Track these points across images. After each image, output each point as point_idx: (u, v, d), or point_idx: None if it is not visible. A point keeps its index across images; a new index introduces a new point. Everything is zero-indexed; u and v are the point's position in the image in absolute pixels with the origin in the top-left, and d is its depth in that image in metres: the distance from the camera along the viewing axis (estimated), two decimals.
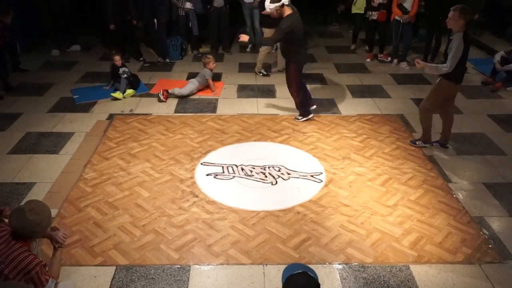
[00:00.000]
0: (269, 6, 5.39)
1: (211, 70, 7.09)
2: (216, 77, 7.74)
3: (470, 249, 3.81)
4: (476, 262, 3.69)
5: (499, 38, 9.95)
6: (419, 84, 7.57)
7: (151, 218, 4.15)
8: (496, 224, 4.16)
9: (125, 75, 6.96)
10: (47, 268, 2.91)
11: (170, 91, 6.84)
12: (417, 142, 5.46)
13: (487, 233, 4.03)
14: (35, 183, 4.67)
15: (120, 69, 6.99)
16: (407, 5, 7.82)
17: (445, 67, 4.85)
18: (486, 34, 10.20)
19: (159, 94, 6.75)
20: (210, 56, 7.22)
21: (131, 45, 8.60)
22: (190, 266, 3.61)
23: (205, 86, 7.09)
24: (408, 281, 3.49)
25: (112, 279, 3.47)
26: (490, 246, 3.86)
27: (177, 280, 3.47)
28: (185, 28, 8.77)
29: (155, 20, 8.08)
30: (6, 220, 3.01)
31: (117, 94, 6.73)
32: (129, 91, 6.87)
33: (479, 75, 8.02)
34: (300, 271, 2.07)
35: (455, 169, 5.03)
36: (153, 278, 3.48)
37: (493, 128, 6.03)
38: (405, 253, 3.76)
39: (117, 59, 6.99)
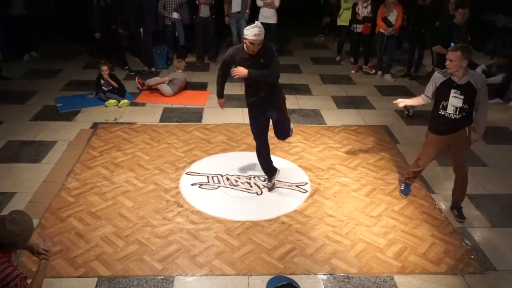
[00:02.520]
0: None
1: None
2: (202, 87, 7.74)
3: (453, 260, 3.85)
4: (459, 272, 3.72)
5: (480, 52, 10.17)
6: (402, 96, 7.64)
7: (135, 229, 4.10)
8: (478, 235, 4.22)
9: (105, 88, 6.93)
10: (27, 280, 2.84)
11: (146, 81, 7.31)
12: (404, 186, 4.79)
13: (469, 243, 4.07)
14: (15, 192, 4.58)
15: (102, 80, 6.95)
16: (391, 18, 7.96)
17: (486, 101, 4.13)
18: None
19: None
20: (182, 60, 7.51)
21: (117, 53, 8.55)
22: (174, 277, 3.56)
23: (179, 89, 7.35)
24: None
25: None
26: (472, 257, 3.90)
27: None
28: (171, 38, 8.77)
29: (141, 29, 8.07)
30: None
31: (112, 102, 6.74)
32: (124, 101, 6.85)
33: None
34: (284, 282, 2.06)
35: (438, 180, 5.10)
36: None
37: None
38: (389, 264, 3.78)
39: (105, 69, 6.94)
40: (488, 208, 4.61)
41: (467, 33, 7.00)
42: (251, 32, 3.95)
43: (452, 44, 6.35)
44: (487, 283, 3.63)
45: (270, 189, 4.76)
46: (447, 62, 3.97)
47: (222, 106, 4.61)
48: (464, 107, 4.05)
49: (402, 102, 4.55)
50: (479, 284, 3.61)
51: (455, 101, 4.06)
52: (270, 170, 4.73)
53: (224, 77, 4.40)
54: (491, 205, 4.66)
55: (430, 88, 4.26)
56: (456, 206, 4.49)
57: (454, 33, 6.58)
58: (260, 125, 4.49)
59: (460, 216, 4.41)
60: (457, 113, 4.09)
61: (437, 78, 4.17)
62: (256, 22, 4.09)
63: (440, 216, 4.44)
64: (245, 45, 4.09)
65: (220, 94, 4.53)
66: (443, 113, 4.17)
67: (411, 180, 4.76)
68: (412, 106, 4.53)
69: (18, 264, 3.00)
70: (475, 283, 3.62)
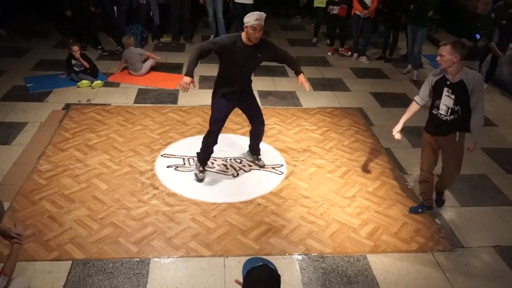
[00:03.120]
0: None
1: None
2: (177, 68, 7.63)
3: (423, 239, 3.97)
4: (429, 250, 3.84)
5: (454, 35, 10.30)
6: (377, 79, 7.75)
7: (109, 211, 4.06)
8: (448, 214, 4.35)
9: (77, 68, 6.75)
10: None
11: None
12: (419, 210, 4.33)
13: (439, 222, 4.20)
14: None
15: (73, 60, 6.77)
16: (367, 0, 7.97)
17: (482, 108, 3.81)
18: (441, 31, 10.55)
19: None
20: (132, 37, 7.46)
21: (89, 33, 8.32)
22: (149, 259, 3.56)
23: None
24: (365, 270, 3.60)
25: (68, 274, 3.37)
26: (441, 235, 4.03)
27: (136, 273, 3.42)
28: (146, 17, 8.58)
29: (115, 8, 7.85)
30: None
31: (85, 83, 6.60)
32: (98, 82, 6.70)
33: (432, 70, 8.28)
34: (260, 263, 2.08)
35: (410, 161, 5.20)
36: (111, 272, 3.41)
37: None
38: (362, 243, 3.87)
39: (76, 49, 6.75)
40: (458, 188, 4.74)
41: (492, 25, 6.81)
42: (252, 17, 3.89)
43: (478, 36, 6.28)
44: (455, 260, 3.76)
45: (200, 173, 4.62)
46: (438, 57, 3.70)
47: (188, 86, 4.00)
48: (456, 108, 3.75)
49: (397, 131, 4.24)
50: (447, 261, 3.74)
51: (447, 100, 3.79)
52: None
53: (202, 56, 4.06)
54: (461, 185, 4.79)
55: (424, 89, 4.02)
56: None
57: (477, 25, 6.42)
58: (227, 112, 4.45)
59: (414, 211, 4.29)
60: (449, 114, 3.81)
61: (432, 77, 3.92)
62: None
63: (412, 197, 4.54)
64: (246, 34, 3.99)
65: (191, 73, 4.02)
66: (435, 112, 3.92)
67: (425, 200, 4.29)
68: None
69: None
70: (444, 260, 3.75)
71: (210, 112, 4.37)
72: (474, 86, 3.65)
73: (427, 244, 3.91)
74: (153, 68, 7.40)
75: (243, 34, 4.05)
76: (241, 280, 2.14)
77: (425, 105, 4.14)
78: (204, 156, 4.58)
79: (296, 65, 4.42)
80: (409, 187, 4.71)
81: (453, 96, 3.75)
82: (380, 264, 3.66)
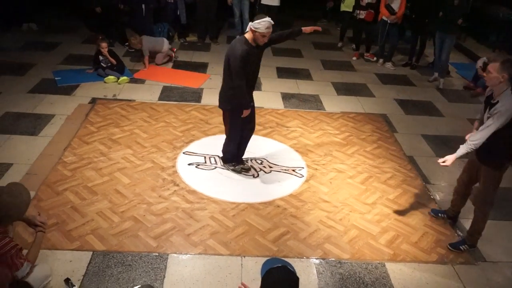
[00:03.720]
0: None
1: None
2: (202, 67, 7.69)
3: (444, 250, 3.90)
4: (449, 262, 3.77)
5: (482, 44, 10.14)
6: (403, 85, 7.66)
7: (130, 205, 4.12)
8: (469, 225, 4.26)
9: (104, 64, 6.87)
10: (23, 252, 2.86)
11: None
12: (461, 247, 3.92)
13: (461, 234, 4.12)
14: (12, 164, 4.57)
15: (101, 56, 6.88)
16: (395, 6, 7.90)
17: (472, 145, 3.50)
18: (470, 39, 10.38)
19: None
20: (137, 37, 7.52)
21: (117, 29, 8.45)
22: (168, 255, 3.60)
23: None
24: (383, 278, 3.55)
25: (88, 264, 3.43)
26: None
27: (154, 268, 3.46)
28: (173, 16, 8.67)
29: (143, 6, 7.96)
30: None
31: (111, 79, 6.72)
32: (124, 78, 6.81)
33: (461, 79, 8.17)
34: (279, 265, 2.08)
35: (433, 170, 5.12)
36: (130, 265, 3.46)
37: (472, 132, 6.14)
38: (381, 251, 3.82)
39: (104, 46, 6.86)
40: None
41: (459, 15, 7.11)
42: (263, 25, 3.89)
43: None
44: (476, 274, 3.68)
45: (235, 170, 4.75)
46: (484, 73, 3.49)
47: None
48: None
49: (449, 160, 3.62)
50: (468, 274, 3.67)
51: (486, 120, 3.48)
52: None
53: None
54: None
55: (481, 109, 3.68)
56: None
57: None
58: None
59: (455, 246, 3.92)
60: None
61: (487, 90, 3.60)
62: (264, 16, 3.95)
63: (434, 206, 4.47)
64: (252, 37, 4.00)
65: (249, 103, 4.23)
66: None
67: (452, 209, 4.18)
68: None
69: (13, 236, 3.02)
70: (464, 273, 3.67)
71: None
72: (500, 108, 3.32)
73: (447, 256, 3.84)
74: (178, 66, 7.51)
75: (248, 37, 4.03)
76: (248, 284, 2.13)
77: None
78: (237, 156, 4.78)
79: (293, 29, 4.54)
80: (432, 196, 4.64)
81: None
82: (399, 273, 3.61)
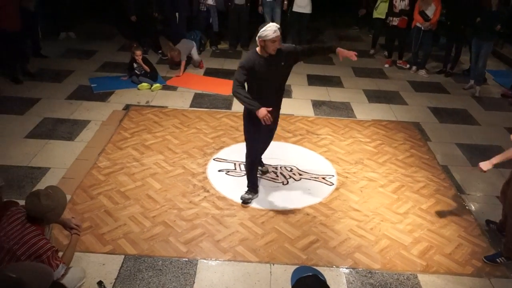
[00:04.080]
0: None
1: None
2: (233, 75, 7.73)
3: (479, 262, 3.77)
4: (485, 276, 3.65)
5: None
6: (436, 93, 7.50)
7: (162, 210, 4.18)
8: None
9: (138, 71, 7.03)
10: (59, 253, 2.95)
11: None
12: (498, 260, 3.77)
13: (498, 247, 3.98)
14: (49, 168, 4.73)
15: (135, 64, 7.05)
16: (429, 12, 7.76)
17: None
18: (508, 46, 10.06)
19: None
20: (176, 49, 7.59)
21: (151, 37, 8.66)
22: (197, 260, 3.63)
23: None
24: None
25: (120, 267, 3.50)
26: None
27: (184, 273, 3.50)
28: (205, 24, 8.80)
29: (177, 14, 8.12)
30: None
31: (145, 86, 6.89)
32: (157, 85, 6.97)
33: (498, 87, 7.93)
34: (310, 273, 2.07)
35: (469, 180, 4.98)
36: (160, 270, 3.51)
37: (509, 142, 5.93)
38: (413, 262, 3.74)
39: (138, 54, 7.03)
40: None
41: (497, 21, 6.93)
42: (270, 31, 3.75)
43: None
44: None
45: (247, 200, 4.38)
46: None
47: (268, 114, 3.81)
48: None
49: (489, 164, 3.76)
50: None
51: None
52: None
53: (244, 85, 3.98)
54: None
55: None
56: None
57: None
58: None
59: (491, 259, 3.78)
60: None
61: None
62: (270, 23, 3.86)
63: (468, 217, 4.35)
64: (262, 48, 3.87)
65: (258, 104, 3.84)
66: None
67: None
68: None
69: (50, 237, 3.12)
70: (501, 287, 3.54)
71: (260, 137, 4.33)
72: None
73: (483, 269, 3.71)
74: (209, 74, 7.63)
75: (258, 49, 3.91)
76: None
77: None
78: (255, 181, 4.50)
79: (325, 44, 4.12)
80: (466, 207, 4.51)
81: None
82: (432, 285, 3.52)
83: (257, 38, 3.85)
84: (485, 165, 3.78)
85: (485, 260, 3.79)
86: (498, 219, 4.20)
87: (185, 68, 7.76)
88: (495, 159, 3.78)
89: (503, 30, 8.39)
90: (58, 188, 3.04)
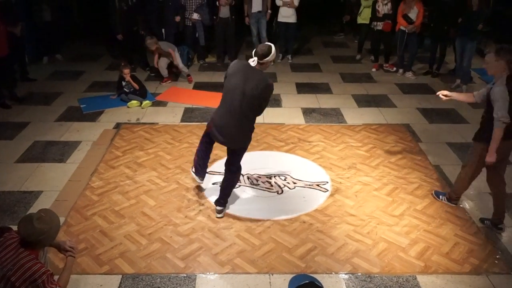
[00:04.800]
0: None
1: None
2: (222, 87, 7.76)
3: (477, 260, 3.79)
4: (484, 273, 3.66)
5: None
6: (424, 94, 7.57)
7: (157, 227, 4.16)
8: (503, 235, 4.13)
9: (127, 89, 7.03)
10: (54, 277, 2.91)
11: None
12: (441, 197, 4.55)
13: (494, 243, 4.00)
14: (42, 191, 4.70)
15: (123, 82, 7.06)
16: (412, 15, 7.86)
17: (499, 123, 3.77)
18: (492, 44, 10.19)
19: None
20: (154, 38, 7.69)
21: (138, 54, 8.68)
22: (196, 275, 3.61)
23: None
24: None
25: (118, 287, 3.47)
26: (497, 257, 3.84)
27: None
28: (192, 38, 8.85)
29: (163, 30, 8.16)
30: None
31: (134, 103, 6.90)
32: (147, 102, 6.97)
33: (485, 85, 7.97)
34: (307, 281, 2.07)
35: None
36: (159, 287, 3.48)
37: None
38: (411, 263, 3.74)
39: (126, 72, 7.04)
40: None
41: (479, 20, 7.10)
42: (274, 53, 3.95)
43: None
44: None
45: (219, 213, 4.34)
46: (484, 65, 3.97)
47: None
48: (484, 115, 4.00)
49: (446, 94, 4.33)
50: (504, 284, 3.55)
51: None
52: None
53: None
54: None
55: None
56: (495, 222, 4.20)
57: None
58: None
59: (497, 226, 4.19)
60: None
61: None
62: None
63: (464, 216, 4.37)
64: (262, 67, 3.98)
65: None
66: None
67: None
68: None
69: (45, 261, 3.08)
70: (500, 283, 3.55)
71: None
72: (493, 98, 3.78)
73: (481, 266, 3.73)
74: (198, 87, 7.67)
75: (259, 67, 3.96)
76: None
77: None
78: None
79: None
80: (461, 205, 4.53)
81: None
82: (431, 286, 3.52)
83: (269, 59, 3.91)
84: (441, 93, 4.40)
85: (433, 194, 4.62)
86: (491, 215, 4.24)
87: (171, 79, 7.94)
88: (453, 94, 4.46)
89: (486, 28, 8.53)
90: (50, 210, 3.01)
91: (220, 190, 4.33)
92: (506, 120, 3.71)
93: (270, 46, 3.90)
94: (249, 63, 3.99)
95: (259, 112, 4.07)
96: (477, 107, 6.95)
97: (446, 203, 4.49)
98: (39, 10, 8.44)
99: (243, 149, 4.21)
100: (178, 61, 7.90)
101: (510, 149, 4.04)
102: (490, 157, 3.86)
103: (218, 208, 4.31)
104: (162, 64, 7.83)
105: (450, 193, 4.49)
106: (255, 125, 4.17)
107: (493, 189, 4.19)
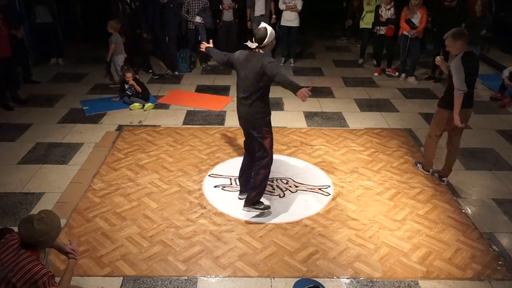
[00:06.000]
0: None
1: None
2: (225, 90, 7.79)
3: (479, 266, 3.77)
4: (486, 279, 3.64)
5: (507, 53, 9.95)
6: (426, 99, 7.57)
7: (159, 229, 4.16)
8: (506, 240, 4.12)
9: (130, 92, 7.04)
10: (55, 279, 2.91)
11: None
12: (418, 165, 5.27)
13: (497, 249, 3.98)
14: (44, 193, 4.70)
15: (126, 85, 7.06)
16: (415, 20, 7.87)
17: (457, 90, 4.45)
18: (494, 49, 10.21)
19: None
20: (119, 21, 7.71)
21: (141, 57, 8.70)
22: (197, 278, 3.60)
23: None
24: None
25: None
26: (500, 263, 3.82)
27: None
28: (194, 41, 8.86)
29: (165, 33, 8.17)
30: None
31: (137, 106, 6.90)
32: (149, 105, 6.98)
33: (487, 90, 8.01)
34: (311, 285, 2.06)
35: (464, 184, 5.00)
36: None
37: (501, 144, 6.00)
38: (413, 268, 3.73)
39: (129, 76, 7.04)
40: None
41: (482, 26, 7.24)
42: (272, 33, 4.00)
43: None
44: None
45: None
46: (446, 47, 4.73)
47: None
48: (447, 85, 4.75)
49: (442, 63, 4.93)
50: None
51: None
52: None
53: None
54: None
55: None
56: (442, 175, 5.05)
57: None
58: None
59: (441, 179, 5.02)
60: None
61: None
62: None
63: (466, 221, 4.35)
64: (269, 47, 4.06)
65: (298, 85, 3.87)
66: None
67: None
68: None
69: (47, 263, 3.08)
70: None
71: None
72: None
73: (484, 272, 3.71)
74: (201, 90, 7.66)
75: (263, 51, 4.03)
76: None
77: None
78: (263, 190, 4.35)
79: (292, 83, 4.01)
80: (463, 211, 4.52)
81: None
82: None
83: (268, 40, 3.95)
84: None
85: (414, 163, 5.30)
86: (495, 224, 4.28)
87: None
88: (443, 64, 5.01)
89: (489, 34, 8.54)
90: (51, 212, 3.01)
91: (250, 187, 4.25)
92: (462, 88, 4.43)
93: (265, 28, 3.95)
94: (251, 51, 4.08)
95: (277, 78, 3.86)
96: (479, 113, 6.99)
97: (421, 170, 5.18)
98: (40, 11, 8.44)
99: (261, 132, 4.10)
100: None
101: (468, 117, 4.79)
102: (457, 120, 4.53)
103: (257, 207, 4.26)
104: (119, 62, 7.72)
105: (423, 162, 5.19)
106: None
107: (450, 149, 4.97)
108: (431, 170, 5.15)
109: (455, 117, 4.54)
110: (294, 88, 3.77)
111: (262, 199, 4.34)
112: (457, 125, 4.57)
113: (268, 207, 4.36)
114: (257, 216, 4.33)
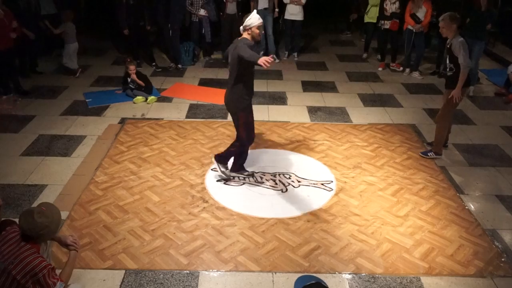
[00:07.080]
0: None
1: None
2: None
3: (482, 262, 3.76)
4: (488, 275, 3.63)
5: None
6: (431, 94, 7.52)
7: (161, 223, 4.16)
8: (509, 237, 4.10)
9: (132, 85, 7.01)
10: (56, 271, 2.91)
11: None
12: (429, 154, 5.39)
13: (500, 246, 3.97)
14: (46, 185, 4.70)
15: (129, 78, 7.04)
16: (420, 14, 7.81)
17: (465, 67, 4.89)
18: (499, 44, 10.13)
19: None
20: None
21: (144, 50, 8.67)
22: (199, 272, 3.60)
23: None
24: None
25: (121, 283, 3.47)
26: (503, 259, 3.80)
27: (186, 285, 3.46)
28: (198, 34, 8.83)
29: (169, 26, 8.14)
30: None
31: (140, 99, 6.88)
32: (152, 98, 6.96)
33: (492, 86, 7.96)
34: (313, 282, 2.05)
35: (467, 180, 4.98)
36: (162, 283, 3.48)
37: (506, 140, 5.96)
38: (416, 265, 3.72)
39: (132, 69, 7.01)
40: None
41: (487, 21, 7.21)
42: (254, 18, 4.30)
43: None
44: None
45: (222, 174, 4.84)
46: (440, 29, 5.10)
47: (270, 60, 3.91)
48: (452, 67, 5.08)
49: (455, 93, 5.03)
50: (509, 287, 3.52)
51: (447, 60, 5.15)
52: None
53: None
54: None
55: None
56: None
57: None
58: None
59: (424, 154, 5.42)
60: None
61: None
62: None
63: (469, 217, 4.34)
64: (250, 35, 4.34)
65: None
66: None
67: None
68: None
69: (48, 255, 3.08)
70: (505, 286, 3.53)
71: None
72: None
73: (486, 269, 3.70)
74: (204, 84, 7.63)
75: (247, 36, 4.34)
76: None
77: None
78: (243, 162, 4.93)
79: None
80: (466, 207, 4.50)
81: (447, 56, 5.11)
82: (435, 287, 3.50)
83: (243, 28, 4.35)
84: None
85: (421, 154, 5.39)
86: (498, 221, 4.28)
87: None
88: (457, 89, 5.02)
89: (494, 29, 8.46)
90: (52, 204, 3.00)
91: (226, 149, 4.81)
92: (469, 64, 4.90)
93: (251, 13, 4.33)
94: (237, 39, 4.45)
95: (241, 52, 4.11)
96: (483, 109, 6.95)
97: (435, 156, 5.35)
98: (45, 3, 8.41)
99: (237, 115, 4.56)
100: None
101: (463, 95, 5.16)
102: (458, 94, 4.95)
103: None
104: (70, 51, 7.83)
105: (434, 148, 5.41)
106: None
107: (442, 124, 5.29)
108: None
109: (457, 91, 4.94)
110: (255, 59, 4.00)
111: (233, 173, 4.86)
112: (457, 98, 4.99)
113: (229, 177, 4.82)
114: (220, 178, 4.83)
